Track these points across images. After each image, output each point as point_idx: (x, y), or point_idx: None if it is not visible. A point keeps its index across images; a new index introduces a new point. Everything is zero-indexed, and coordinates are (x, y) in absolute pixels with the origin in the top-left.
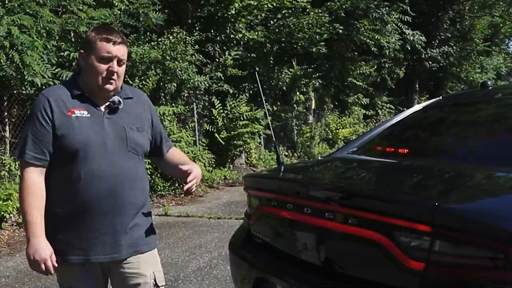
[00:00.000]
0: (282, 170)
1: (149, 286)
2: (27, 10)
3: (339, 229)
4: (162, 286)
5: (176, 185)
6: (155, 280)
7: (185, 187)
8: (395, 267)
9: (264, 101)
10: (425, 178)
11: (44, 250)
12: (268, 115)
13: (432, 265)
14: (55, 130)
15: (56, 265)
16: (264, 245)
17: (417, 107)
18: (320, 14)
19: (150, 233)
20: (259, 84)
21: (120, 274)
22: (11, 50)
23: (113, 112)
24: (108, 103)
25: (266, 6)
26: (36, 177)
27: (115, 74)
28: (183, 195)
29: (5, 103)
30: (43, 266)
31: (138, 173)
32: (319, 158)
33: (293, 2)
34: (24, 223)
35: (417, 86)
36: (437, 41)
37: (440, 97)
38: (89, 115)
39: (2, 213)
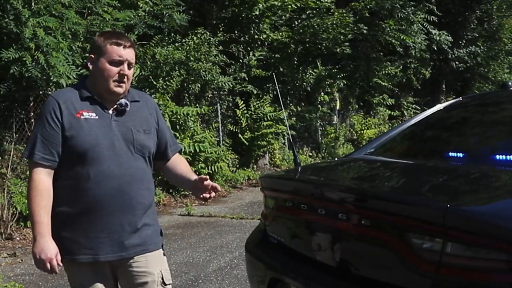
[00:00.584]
0: (298, 170)
1: (156, 285)
2: (53, 12)
3: (352, 230)
4: (169, 284)
5: None
6: (162, 279)
7: (207, 195)
8: (407, 268)
9: (282, 104)
10: (440, 180)
11: (50, 249)
12: (286, 119)
13: (444, 267)
14: (64, 132)
15: (61, 264)
16: (280, 246)
17: (435, 108)
18: (344, 15)
19: (157, 233)
20: (277, 87)
21: (128, 272)
22: (36, 52)
23: (120, 114)
24: (115, 105)
25: (290, 6)
26: (44, 178)
27: (125, 77)
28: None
29: (31, 104)
30: (48, 265)
31: (145, 174)
32: (336, 159)
33: (317, 2)
34: (31, 222)
35: (443, 86)
36: (464, 41)
37: (460, 98)
38: (97, 117)
39: (28, 211)
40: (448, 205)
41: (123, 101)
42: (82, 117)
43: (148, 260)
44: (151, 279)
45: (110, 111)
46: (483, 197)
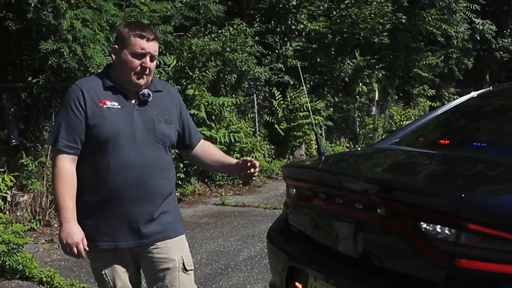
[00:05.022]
0: (321, 160)
1: (178, 270)
2: (92, 5)
3: (368, 219)
4: (191, 270)
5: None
6: (183, 264)
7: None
8: (422, 259)
9: (307, 95)
10: (460, 170)
11: (76, 234)
12: (310, 111)
13: (458, 258)
14: (87, 120)
15: (87, 248)
16: (299, 235)
17: (462, 99)
18: (382, 4)
19: (177, 219)
20: (302, 78)
21: (150, 259)
22: (73, 43)
23: (142, 104)
24: (138, 95)
25: None
26: (68, 165)
27: (147, 69)
28: (241, 184)
29: None
30: (75, 249)
31: (165, 164)
32: (359, 148)
33: None
34: (57, 208)
35: (487, 77)
36: (509, 30)
37: (490, 88)
38: (119, 106)
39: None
40: (463, 195)
41: (145, 91)
42: (104, 106)
43: (168, 246)
44: (172, 265)
45: (133, 101)
46: (499, 187)
